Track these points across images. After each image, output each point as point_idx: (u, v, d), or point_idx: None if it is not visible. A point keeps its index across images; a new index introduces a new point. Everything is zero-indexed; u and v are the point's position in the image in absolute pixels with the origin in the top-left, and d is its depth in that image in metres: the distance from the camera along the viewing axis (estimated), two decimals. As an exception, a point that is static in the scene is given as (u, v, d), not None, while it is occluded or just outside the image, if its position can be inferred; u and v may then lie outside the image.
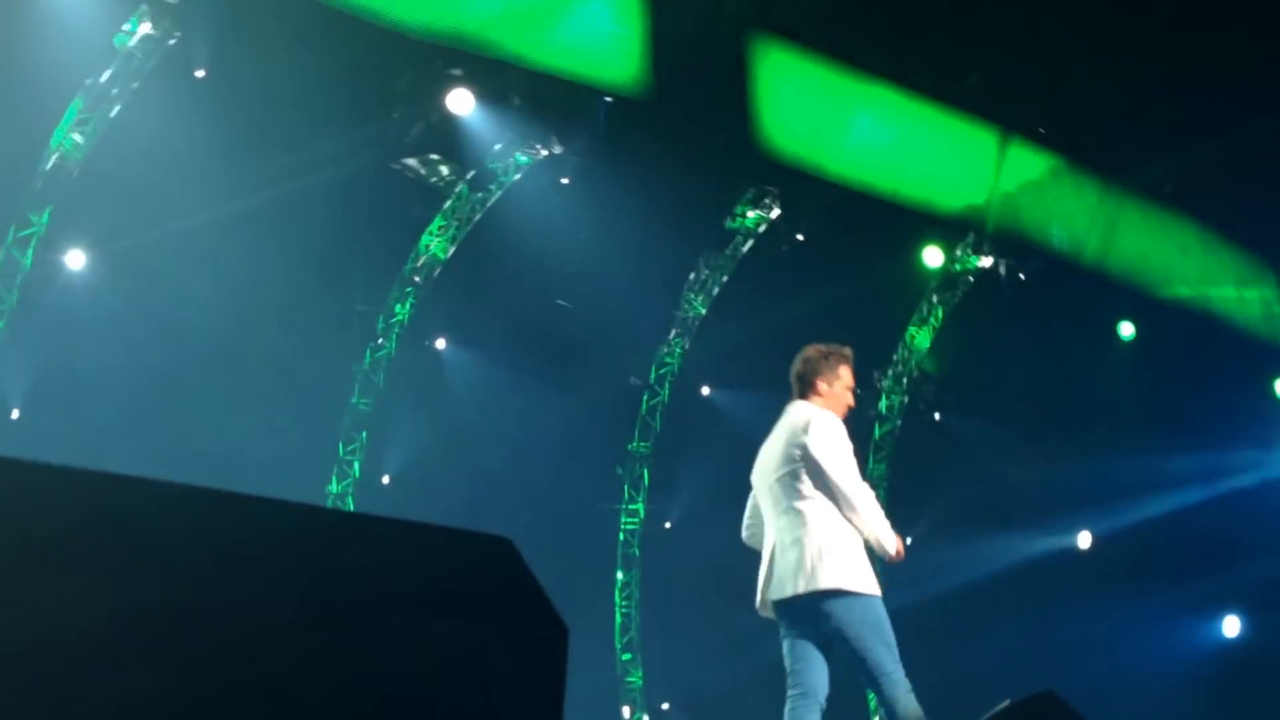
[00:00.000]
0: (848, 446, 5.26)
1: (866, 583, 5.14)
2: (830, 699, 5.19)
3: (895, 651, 5.13)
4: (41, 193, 11.19)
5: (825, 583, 5.07)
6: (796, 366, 5.43)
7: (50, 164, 11.12)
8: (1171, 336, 13.51)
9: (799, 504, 5.19)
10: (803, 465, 5.20)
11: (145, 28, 10.89)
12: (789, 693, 5.24)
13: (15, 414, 11.46)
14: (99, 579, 2.26)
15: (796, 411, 5.33)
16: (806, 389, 5.38)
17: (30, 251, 11.22)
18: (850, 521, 5.18)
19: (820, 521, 5.16)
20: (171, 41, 10.99)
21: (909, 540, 5.53)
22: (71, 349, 11.34)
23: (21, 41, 10.39)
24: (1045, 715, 4.11)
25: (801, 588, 5.10)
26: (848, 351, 5.50)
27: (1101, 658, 12.57)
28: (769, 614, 5.27)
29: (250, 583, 2.46)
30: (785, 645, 5.25)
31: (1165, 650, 13.56)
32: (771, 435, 5.39)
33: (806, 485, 5.19)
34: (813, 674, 5.18)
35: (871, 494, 5.28)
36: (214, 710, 2.31)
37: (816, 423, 5.22)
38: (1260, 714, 12.72)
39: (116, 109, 11.08)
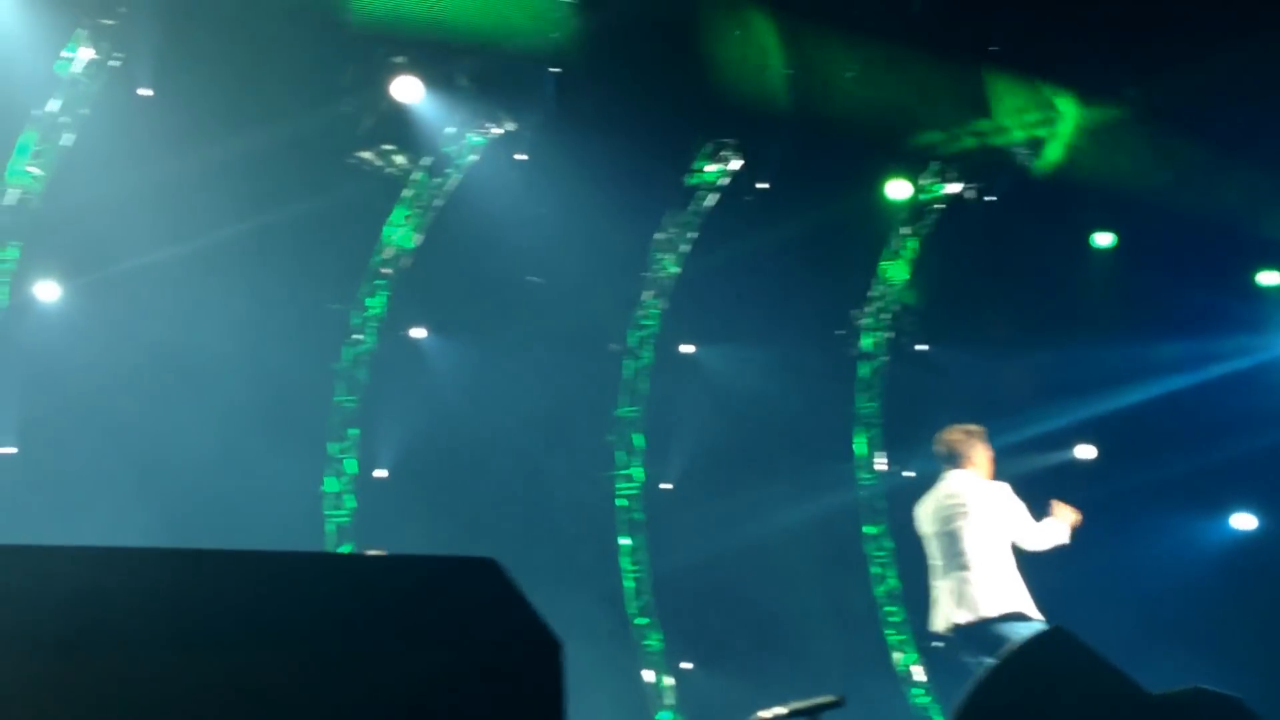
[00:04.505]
0: (1011, 500, 6.77)
1: (1027, 607, 6.59)
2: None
3: None
4: (6, 229, 11.16)
5: (994, 610, 6.52)
6: (942, 447, 7.02)
7: (10, 199, 11.08)
8: (1151, 239, 13.60)
9: (970, 551, 6.60)
10: (970, 519, 6.65)
11: (86, 52, 10.80)
12: None
13: (13, 450, 11.49)
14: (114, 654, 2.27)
15: (957, 478, 6.85)
16: (962, 460, 6.92)
17: (4, 289, 11.21)
18: (1030, 549, 6.70)
19: (987, 563, 6.58)
20: (113, 63, 10.91)
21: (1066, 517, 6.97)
22: (57, 380, 11.36)
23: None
24: (1056, 652, 4.19)
25: (975, 615, 6.52)
26: (979, 430, 7.05)
27: (1106, 562, 12.69)
28: (943, 632, 6.72)
29: (238, 638, 2.45)
30: (966, 661, 6.60)
31: (1173, 550, 13.70)
32: (934, 494, 6.92)
33: (972, 535, 6.61)
34: None
35: (1036, 526, 6.78)
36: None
37: (982, 489, 6.72)
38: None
39: (68, 137, 11.03)
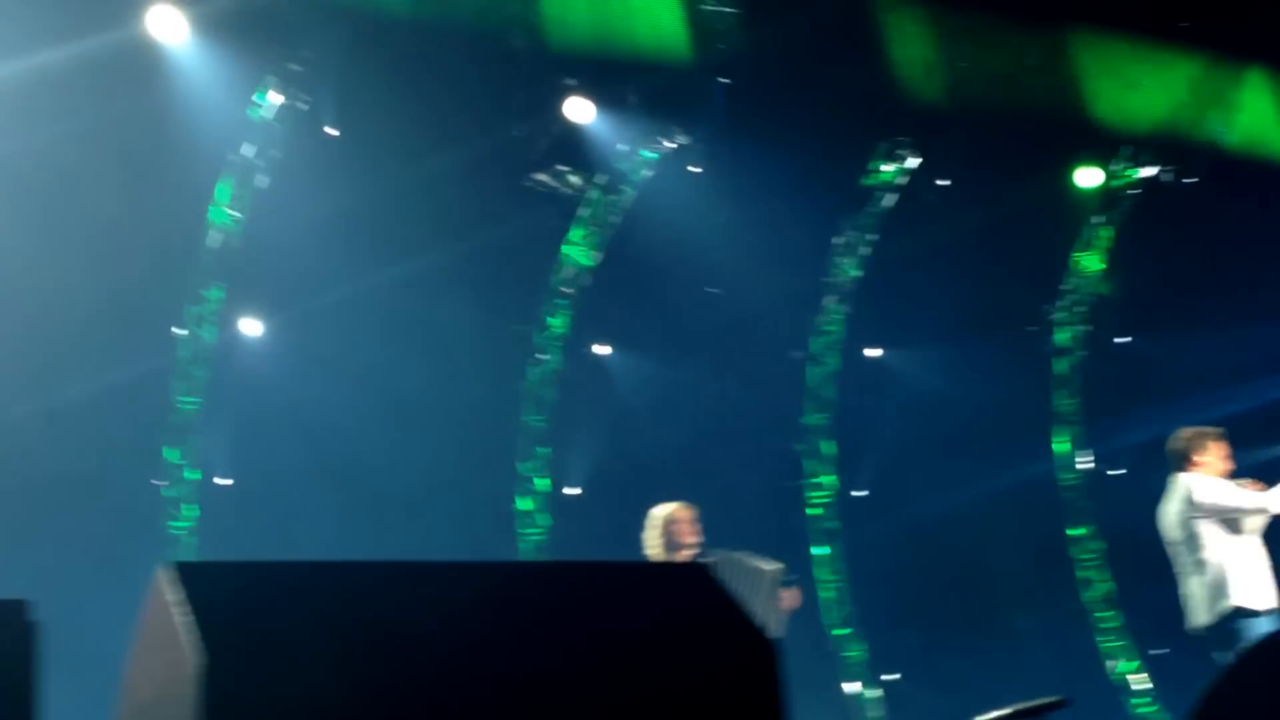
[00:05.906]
0: (1222, 483, 7.00)
1: (1264, 602, 6.83)
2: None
3: None
4: (210, 270, 11.73)
5: (1236, 608, 6.76)
6: (1171, 446, 7.18)
7: (213, 241, 11.64)
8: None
9: (1206, 551, 6.86)
10: (1198, 521, 6.87)
11: (275, 97, 11.28)
12: None
13: (228, 482, 12.03)
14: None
15: (1184, 482, 7.03)
16: (1185, 463, 7.09)
17: (210, 328, 11.77)
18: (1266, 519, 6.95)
19: (1225, 562, 6.82)
20: (301, 105, 11.36)
21: None
22: (262, 413, 11.87)
23: (167, 129, 10.91)
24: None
25: (1217, 616, 6.79)
26: (1212, 431, 7.22)
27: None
28: (1196, 632, 7.02)
29: (463, 649, 2.45)
30: (1219, 662, 6.66)
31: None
32: (1167, 499, 7.12)
33: (1204, 536, 6.87)
34: None
35: (1260, 494, 6.93)
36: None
37: (1195, 486, 6.94)
38: None
39: (263, 179, 11.52)
